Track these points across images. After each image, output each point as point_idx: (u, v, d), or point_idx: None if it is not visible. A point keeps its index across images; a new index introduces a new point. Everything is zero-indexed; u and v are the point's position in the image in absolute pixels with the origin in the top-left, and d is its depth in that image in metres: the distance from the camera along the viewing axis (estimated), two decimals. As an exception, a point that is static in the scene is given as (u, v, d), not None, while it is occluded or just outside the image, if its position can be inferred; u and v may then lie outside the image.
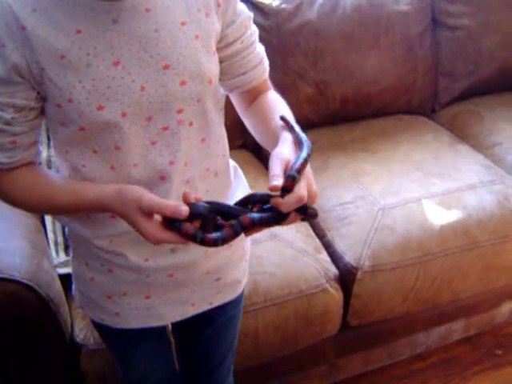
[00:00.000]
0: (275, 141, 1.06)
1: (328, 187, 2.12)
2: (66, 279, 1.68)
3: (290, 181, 0.95)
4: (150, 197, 0.99)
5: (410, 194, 2.06)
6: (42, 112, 1.07)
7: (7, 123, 1.03)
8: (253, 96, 1.25)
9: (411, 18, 2.49)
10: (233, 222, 0.98)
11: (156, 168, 1.11)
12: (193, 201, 0.98)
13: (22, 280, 1.45)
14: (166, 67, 1.04)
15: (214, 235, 0.97)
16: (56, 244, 1.80)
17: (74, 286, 1.36)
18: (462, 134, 2.53)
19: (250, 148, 2.41)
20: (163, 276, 1.23)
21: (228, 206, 1.03)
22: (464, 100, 2.72)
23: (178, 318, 1.33)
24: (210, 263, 1.27)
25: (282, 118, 1.08)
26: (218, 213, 1.00)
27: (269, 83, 1.27)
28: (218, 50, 1.14)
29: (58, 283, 1.65)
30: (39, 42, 0.97)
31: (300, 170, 0.96)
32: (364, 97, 2.49)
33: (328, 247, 1.96)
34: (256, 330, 1.75)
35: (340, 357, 2.12)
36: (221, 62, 1.16)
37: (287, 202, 0.94)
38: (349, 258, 1.89)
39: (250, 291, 1.71)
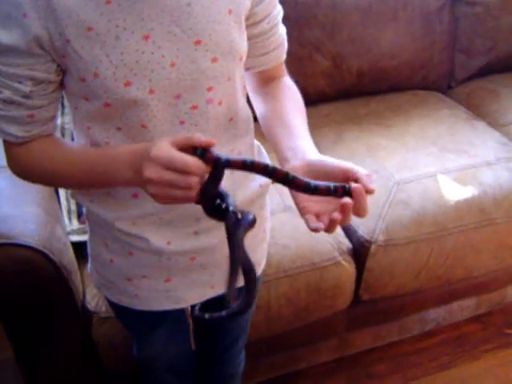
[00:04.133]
0: (287, 141, 1.08)
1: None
2: (78, 246, 1.68)
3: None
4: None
5: (426, 169, 2.05)
6: (61, 85, 1.03)
7: (25, 96, 0.98)
8: (266, 76, 1.22)
9: (430, -8, 2.45)
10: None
11: None
12: None
13: (35, 246, 1.44)
14: (197, 43, 1.00)
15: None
16: (69, 211, 1.79)
17: (90, 266, 1.34)
18: (477, 111, 2.50)
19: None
20: (185, 259, 1.21)
21: None
22: (481, 77, 2.69)
23: (197, 301, 1.30)
24: None
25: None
26: None
27: (284, 68, 1.24)
28: (246, 27, 1.09)
29: (70, 250, 1.65)
30: (65, 13, 0.92)
31: None
32: (380, 71, 2.47)
33: (342, 220, 1.95)
34: (268, 301, 1.75)
35: (350, 331, 2.12)
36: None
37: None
38: (362, 231, 1.89)
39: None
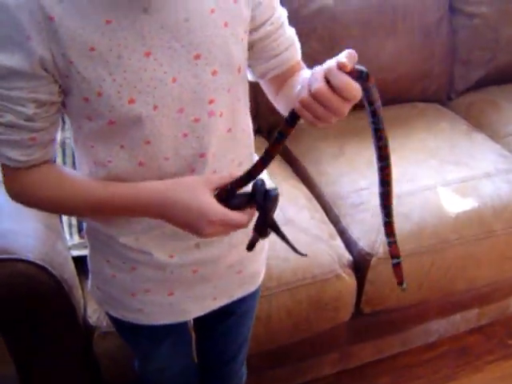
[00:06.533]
0: None
1: (343, 174, 2.11)
2: (79, 261, 1.68)
3: None
4: (215, 174, 1.06)
5: (426, 182, 2.05)
6: (63, 106, 1.03)
7: (28, 119, 0.97)
8: (285, 78, 1.21)
9: (429, 4, 2.47)
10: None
11: (187, 161, 1.08)
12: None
13: (35, 261, 1.45)
14: (197, 57, 1.01)
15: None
16: (70, 226, 1.80)
17: (90, 283, 1.33)
18: (477, 122, 2.50)
19: (263, 134, 2.39)
20: (188, 272, 1.22)
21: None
22: (480, 89, 2.70)
23: (201, 313, 1.32)
24: (233, 256, 1.25)
25: None
26: None
27: (302, 65, 1.23)
28: (249, 33, 1.10)
29: (71, 265, 1.65)
30: (68, 34, 0.92)
31: None
32: (380, 84, 2.37)
33: (342, 233, 1.95)
34: (269, 314, 1.75)
35: (352, 344, 2.12)
36: (252, 46, 1.12)
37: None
38: (363, 244, 1.89)
39: (264, 276, 1.70)
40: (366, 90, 0.91)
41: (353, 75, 0.88)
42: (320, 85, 0.88)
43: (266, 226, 1.05)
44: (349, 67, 0.86)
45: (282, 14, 1.16)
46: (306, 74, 1.17)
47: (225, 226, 1.03)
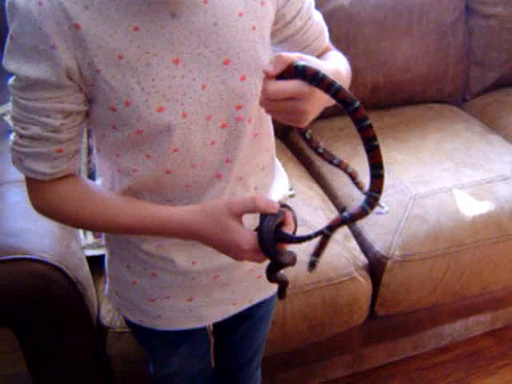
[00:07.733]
0: None
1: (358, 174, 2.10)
2: (93, 261, 1.67)
3: None
4: (236, 198, 1.02)
5: (442, 184, 2.04)
6: (86, 114, 1.01)
7: (55, 130, 0.95)
8: None
9: (445, 5, 2.46)
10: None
11: (214, 167, 1.07)
12: None
13: (50, 261, 1.44)
14: (226, 63, 0.99)
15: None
16: (84, 226, 1.79)
17: (108, 287, 1.33)
18: (493, 124, 2.49)
19: (277, 134, 2.38)
20: (209, 278, 1.21)
21: None
22: (496, 90, 2.69)
23: (220, 318, 1.32)
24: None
25: None
26: None
27: (330, 47, 1.21)
28: (277, 31, 1.08)
29: (86, 265, 1.64)
30: (94, 42, 0.90)
31: None
32: (395, 84, 2.47)
33: (357, 236, 1.94)
34: (284, 317, 1.74)
35: (365, 346, 2.11)
36: (282, 41, 1.11)
37: None
38: (378, 247, 1.87)
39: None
40: (312, 80, 0.86)
41: (290, 74, 0.86)
42: (259, 96, 0.90)
43: (264, 248, 1.01)
44: (270, 73, 0.86)
45: (310, 4, 1.13)
46: (332, 55, 1.17)
47: (258, 252, 1.00)
